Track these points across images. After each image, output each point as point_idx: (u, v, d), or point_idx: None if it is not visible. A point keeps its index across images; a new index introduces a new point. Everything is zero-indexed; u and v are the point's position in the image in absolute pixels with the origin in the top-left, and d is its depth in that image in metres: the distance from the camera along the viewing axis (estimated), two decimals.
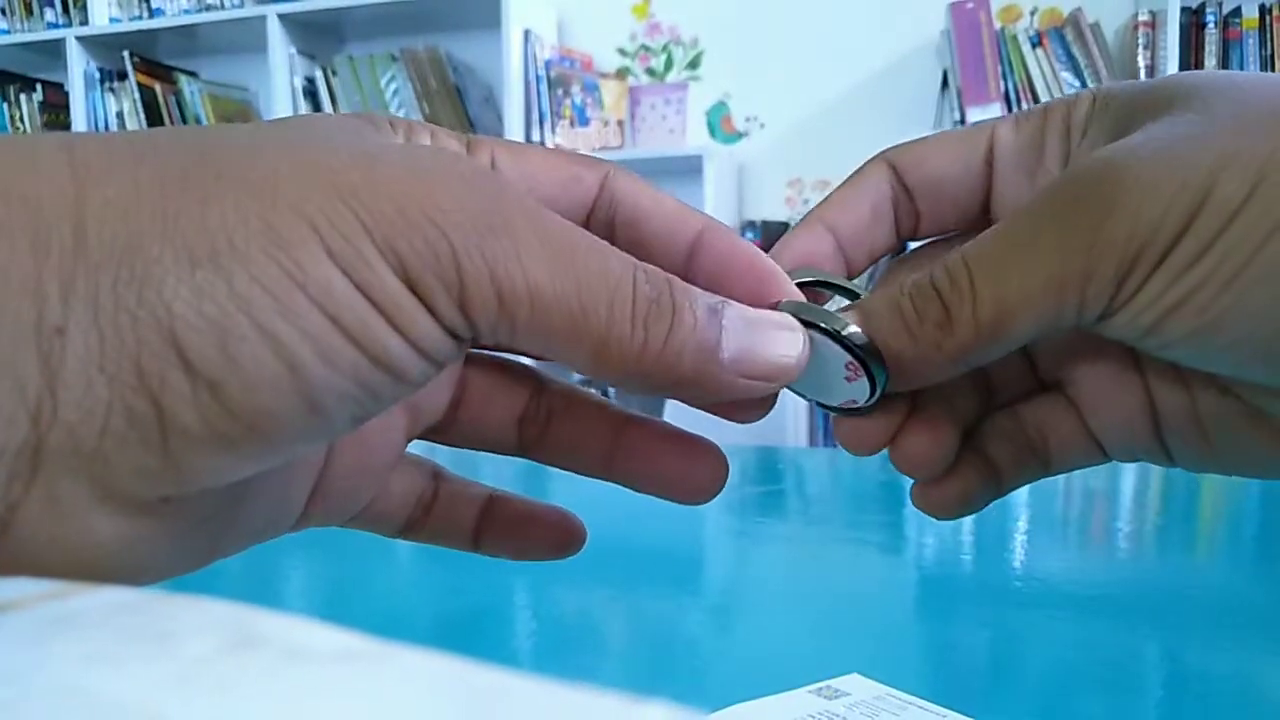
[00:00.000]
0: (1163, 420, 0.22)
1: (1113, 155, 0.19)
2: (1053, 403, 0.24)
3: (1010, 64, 2.01)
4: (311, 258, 0.15)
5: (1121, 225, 0.18)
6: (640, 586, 0.51)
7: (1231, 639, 0.42)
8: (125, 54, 2.51)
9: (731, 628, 0.45)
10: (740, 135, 2.37)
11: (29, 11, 2.64)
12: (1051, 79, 1.99)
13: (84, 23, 2.56)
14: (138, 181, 0.15)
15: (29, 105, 2.67)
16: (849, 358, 0.20)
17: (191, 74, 2.62)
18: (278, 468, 0.19)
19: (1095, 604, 0.47)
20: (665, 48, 2.41)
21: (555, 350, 0.17)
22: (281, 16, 2.36)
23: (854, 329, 0.20)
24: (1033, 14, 2.16)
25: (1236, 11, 1.94)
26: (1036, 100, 1.99)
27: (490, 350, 0.24)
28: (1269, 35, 1.92)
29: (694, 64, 2.39)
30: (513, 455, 0.24)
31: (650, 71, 2.43)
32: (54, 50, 2.59)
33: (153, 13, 2.51)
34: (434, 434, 0.24)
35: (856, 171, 0.24)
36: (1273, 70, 1.90)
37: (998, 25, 2.05)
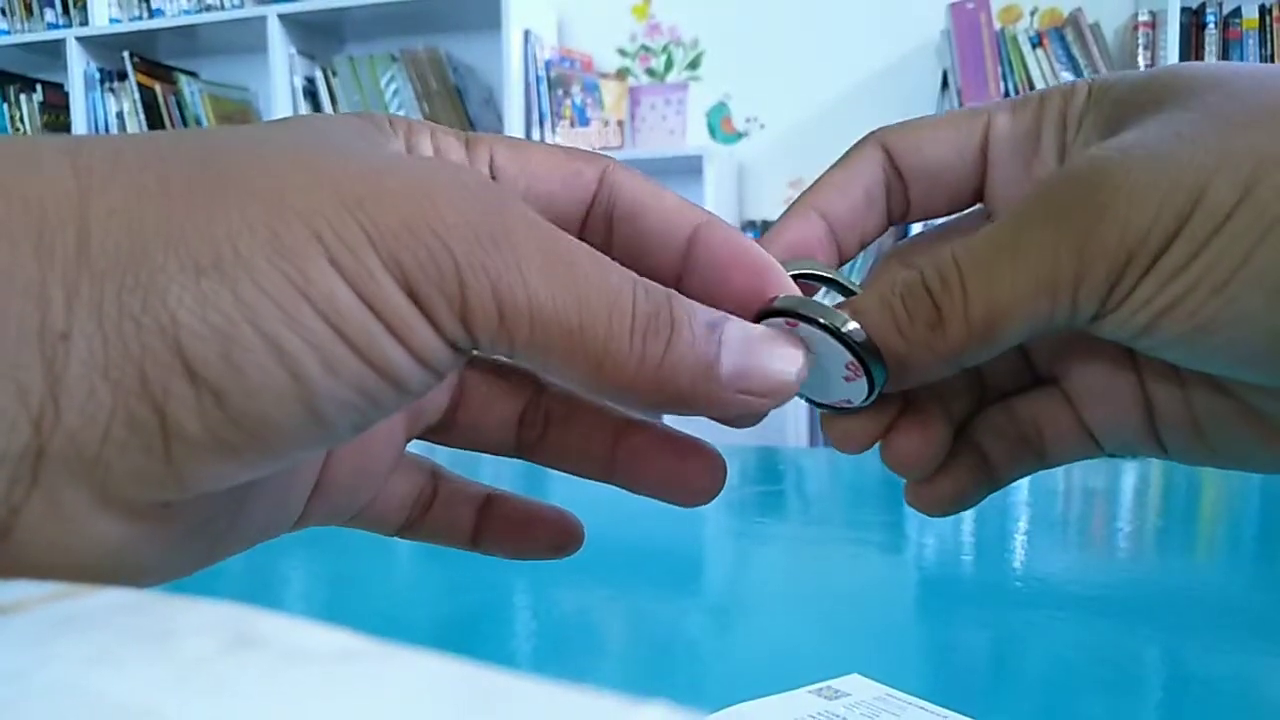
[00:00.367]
0: (1158, 416, 0.22)
1: (1105, 155, 0.19)
2: (1048, 396, 0.24)
3: (1010, 64, 2.01)
4: (316, 268, 0.15)
5: (1113, 229, 0.18)
6: (640, 587, 0.51)
7: (1232, 640, 0.42)
8: (125, 54, 2.51)
9: (731, 628, 0.45)
10: (740, 135, 2.37)
11: (29, 12, 2.64)
12: (1051, 79, 1.99)
13: (84, 23, 2.56)
14: (142, 187, 0.15)
15: (29, 106, 2.67)
16: (848, 356, 0.20)
17: (192, 74, 2.62)
18: (278, 472, 0.19)
19: (1096, 604, 0.47)
20: (665, 48, 2.41)
21: (554, 365, 0.17)
22: (281, 17, 2.36)
23: (853, 326, 0.20)
24: (1033, 14, 2.16)
25: (1236, 12, 1.94)
26: None
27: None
28: (1269, 35, 1.92)
29: (694, 64, 2.39)
30: (512, 457, 0.24)
31: (650, 72, 2.43)
32: (54, 51, 2.59)
33: (153, 13, 2.51)
34: (433, 434, 0.24)
35: (848, 153, 0.24)
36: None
37: (998, 25, 2.05)
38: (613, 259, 0.17)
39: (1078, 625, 0.44)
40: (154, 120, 2.52)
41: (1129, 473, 0.79)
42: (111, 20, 2.55)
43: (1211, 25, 1.94)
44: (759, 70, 2.34)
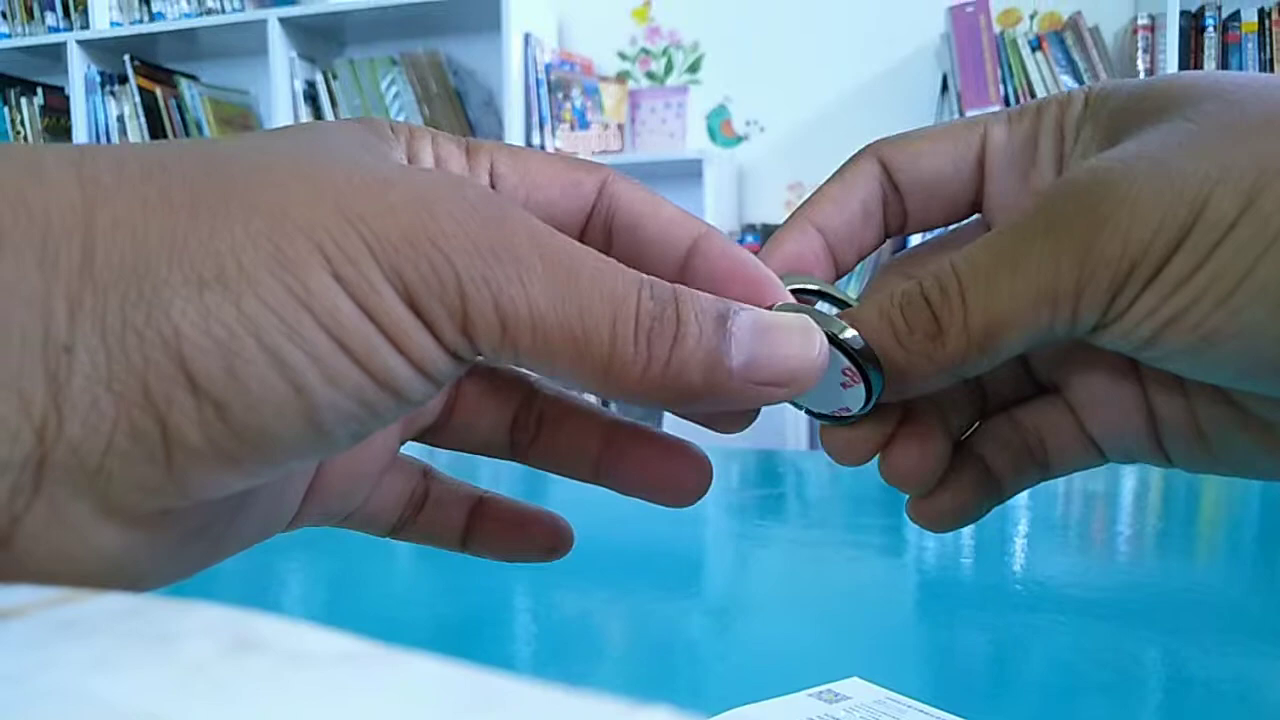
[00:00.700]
0: (1161, 425, 0.22)
1: (1106, 167, 0.19)
2: (1050, 405, 0.23)
3: (1010, 68, 2.01)
4: (318, 281, 0.15)
5: (1115, 240, 0.18)
6: (640, 590, 0.51)
7: (1232, 643, 0.42)
8: (126, 58, 2.51)
9: (731, 631, 0.45)
10: (740, 139, 2.37)
11: (30, 15, 2.64)
12: (1051, 82, 1.99)
13: (85, 26, 2.56)
14: (146, 200, 0.15)
15: (29, 109, 2.67)
16: (845, 363, 0.20)
17: (192, 78, 2.62)
18: (276, 478, 0.19)
19: (1096, 608, 0.47)
20: (665, 51, 2.41)
21: (561, 372, 0.17)
22: (282, 20, 2.36)
23: (852, 333, 0.20)
24: (1032, 17, 2.16)
25: (1236, 15, 1.95)
26: None
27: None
28: (1268, 39, 1.93)
29: (694, 68, 2.39)
30: (504, 459, 0.25)
31: (650, 75, 2.43)
32: (55, 54, 2.59)
33: (153, 16, 2.51)
34: (427, 436, 0.25)
35: (844, 166, 0.24)
36: (1272, 73, 1.89)
37: (997, 29, 2.05)
38: None
39: (1078, 628, 0.44)
40: (154, 123, 2.52)
41: (1129, 476, 0.79)
42: (112, 23, 2.55)
43: (1211, 29, 1.94)
44: (759, 74, 2.34)
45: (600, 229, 0.21)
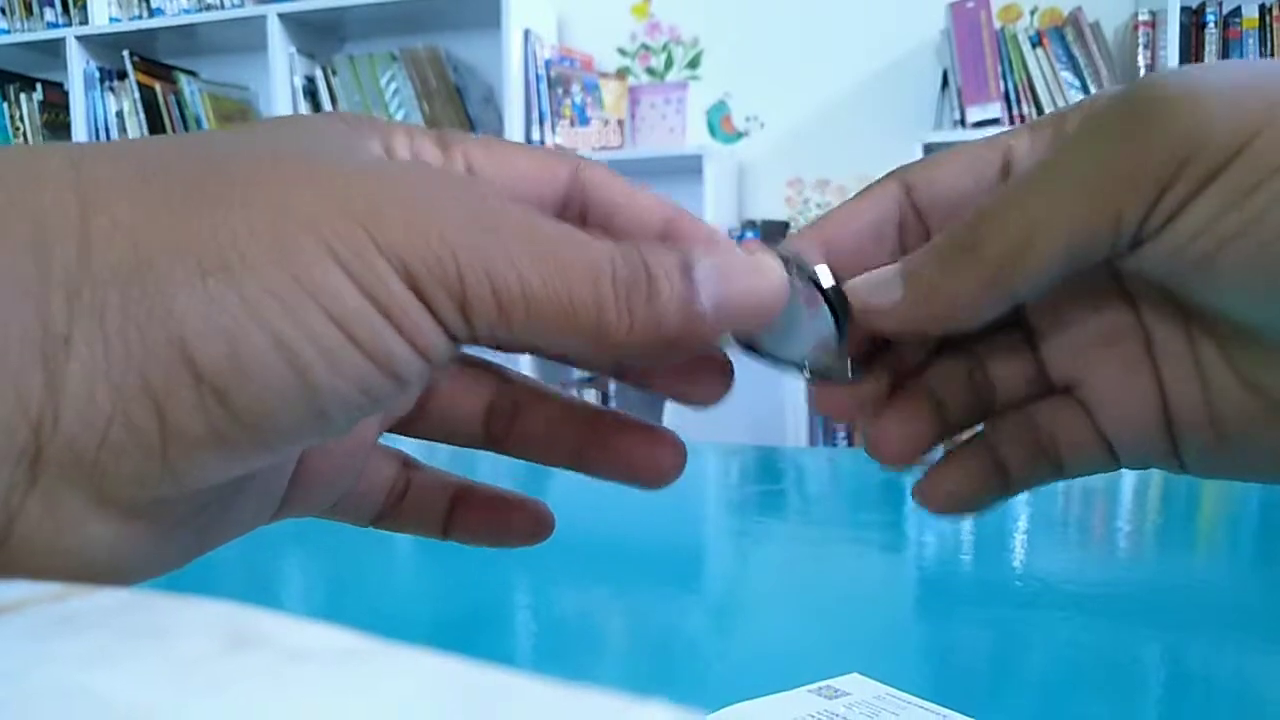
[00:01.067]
0: (1175, 417, 0.21)
1: (1151, 78, 0.18)
2: (1064, 404, 0.23)
3: (1010, 64, 2.01)
4: (322, 269, 0.15)
5: (1160, 136, 0.17)
6: (640, 586, 0.51)
7: (1231, 639, 0.42)
8: (125, 53, 2.51)
9: (731, 627, 0.45)
10: (740, 135, 2.37)
11: (29, 11, 2.64)
12: (1051, 79, 1.99)
13: (84, 22, 2.56)
14: (145, 202, 0.15)
15: (29, 105, 2.67)
16: (800, 283, 0.20)
17: (191, 73, 2.62)
18: (269, 465, 0.19)
19: (1095, 604, 0.47)
20: (665, 47, 2.41)
21: (554, 343, 0.18)
22: (281, 16, 2.36)
23: (795, 250, 0.21)
24: (1033, 13, 2.15)
25: (1236, 11, 1.94)
26: (1036, 100, 1.99)
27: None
28: (1269, 35, 1.92)
29: (694, 63, 2.39)
30: (481, 448, 0.25)
31: (650, 71, 2.43)
32: (54, 50, 2.59)
33: (152, 12, 2.50)
34: (403, 427, 0.25)
35: (867, 188, 0.23)
36: None
37: (998, 25, 2.05)
38: None
39: (1077, 624, 0.44)
40: (154, 119, 2.52)
41: (1129, 473, 0.79)
42: (111, 19, 2.55)
43: (1211, 25, 1.94)
44: (759, 69, 2.33)
45: (575, 216, 0.22)
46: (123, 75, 2.53)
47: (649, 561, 0.55)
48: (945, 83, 2.11)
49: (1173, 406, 0.21)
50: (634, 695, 0.09)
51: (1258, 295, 0.18)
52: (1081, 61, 1.99)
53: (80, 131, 2.54)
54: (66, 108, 2.62)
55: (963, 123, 2.02)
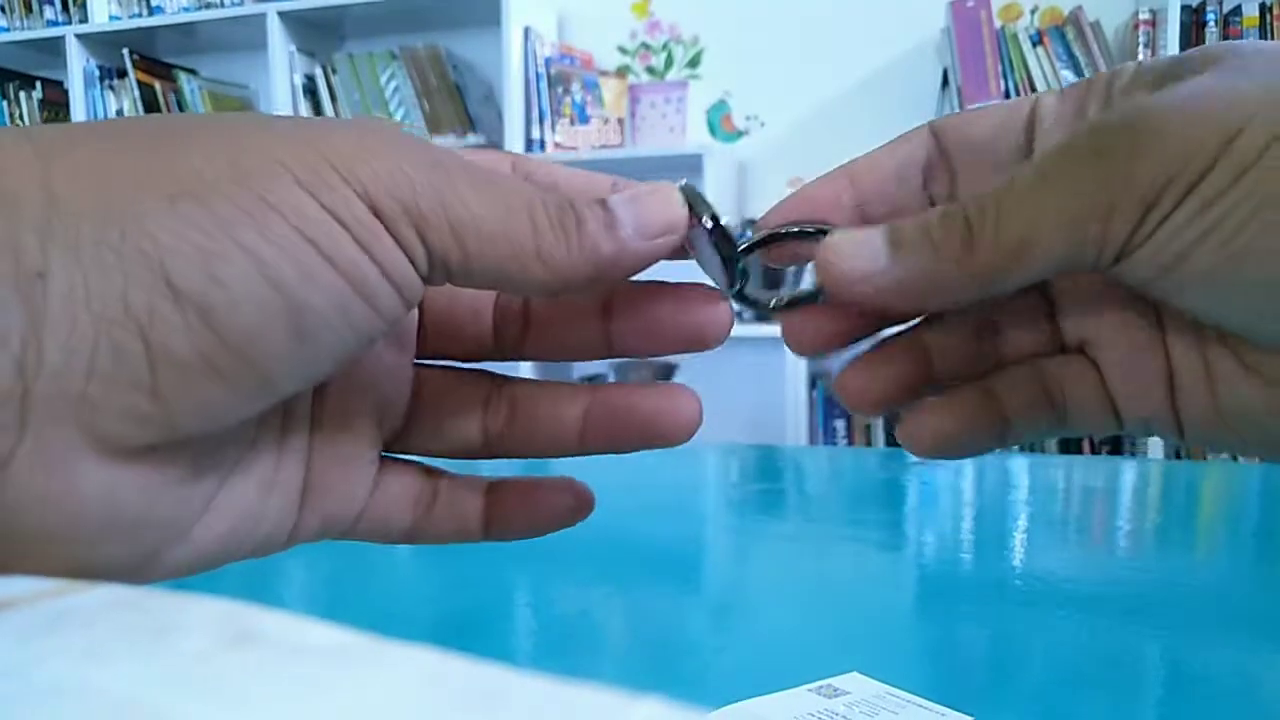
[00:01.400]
0: (1178, 383, 0.22)
1: (1149, 103, 0.19)
2: (1075, 361, 0.24)
3: (1010, 62, 2.01)
4: (283, 185, 0.16)
5: (1149, 164, 0.18)
6: (640, 584, 0.51)
7: (1231, 638, 0.42)
8: (125, 51, 2.51)
9: (731, 626, 0.45)
10: (740, 134, 2.37)
11: (29, 9, 2.64)
12: (1052, 77, 1.99)
13: (84, 20, 2.56)
14: (103, 150, 0.16)
15: (29, 103, 2.67)
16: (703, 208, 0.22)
17: (191, 71, 2.62)
18: (261, 452, 0.20)
19: (1095, 602, 0.47)
20: (665, 46, 2.41)
21: (503, 273, 0.19)
22: (281, 14, 2.36)
23: (690, 186, 0.22)
24: (1033, 12, 2.15)
25: (1237, 9, 1.94)
26: None
27: (453, 341, 0.24)
28: (1269, 33, 1.92)
29: (694, 62, 2.39)
30: (478, 457, 0.24)
31: (650, 70, 2.42)
32: (54, 48, 2.59)
33: (152, 10, 2.50)
34: (403, 440, 0.24)
35: (900, 136, 0.25)
36: None
37: (998, 23, 2.05)
38: None
39: (1077, 623, 0.44)
40: None
41: (1129, 470, 0.79)
42: (111, 17, 2.55)
43: (1212, 23, 1.94)
44: (759, 68, 2.33)
45: None
46: (123, 73, 2.54)
47: (649, 560, 0.55)
48: (945, 82, 2.11)
49: (1175, 365, 0.22)
50: (633, 693, 0.09)
51: (1216, 298, 0.19)
52: (1082, 60, 1.99)
53: None
54: (66, 106, 2.62)
55: None
